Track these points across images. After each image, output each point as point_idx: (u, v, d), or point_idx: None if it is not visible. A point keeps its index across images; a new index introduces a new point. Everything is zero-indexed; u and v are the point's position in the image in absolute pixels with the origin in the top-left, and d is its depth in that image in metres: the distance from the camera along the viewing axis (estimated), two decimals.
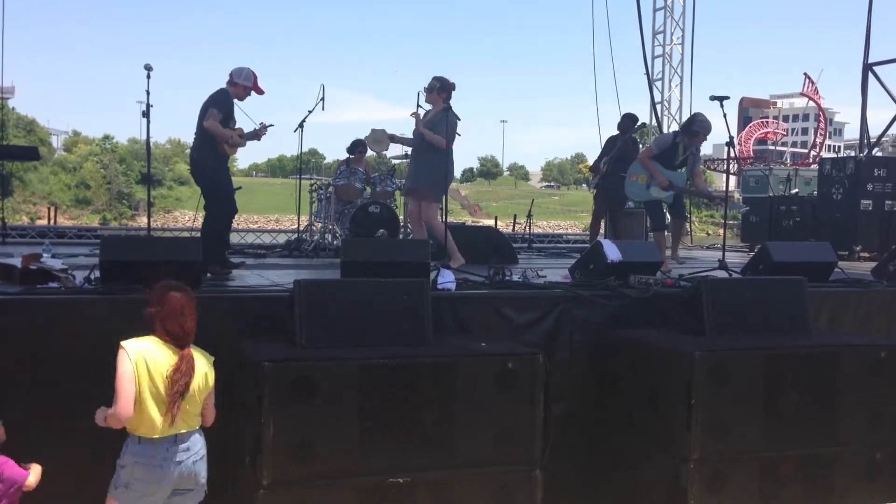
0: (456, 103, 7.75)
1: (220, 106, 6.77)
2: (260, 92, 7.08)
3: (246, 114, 7.11)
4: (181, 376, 3.62)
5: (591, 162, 10.22)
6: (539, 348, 4.95)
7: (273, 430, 4.00)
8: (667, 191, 8.07)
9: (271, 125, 7.27)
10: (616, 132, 10.18)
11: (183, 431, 3.68)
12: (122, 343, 3.61)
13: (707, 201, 9.23)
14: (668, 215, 8.60)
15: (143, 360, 3.58)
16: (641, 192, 8.24)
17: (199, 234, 6.73)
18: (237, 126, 7.01)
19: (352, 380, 4.19)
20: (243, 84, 6.93)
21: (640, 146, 10.04)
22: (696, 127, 8.16)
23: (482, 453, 4.41)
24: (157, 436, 3.60)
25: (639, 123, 10.01)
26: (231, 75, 6.97)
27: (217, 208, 6.89)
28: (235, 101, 6.98)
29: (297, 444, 4.06)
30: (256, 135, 7.16)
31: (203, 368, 3.77)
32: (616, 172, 9.83)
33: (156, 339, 3.67)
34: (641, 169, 8.24)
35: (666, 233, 8.47)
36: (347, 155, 11.29)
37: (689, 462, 4.70)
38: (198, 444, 3.76)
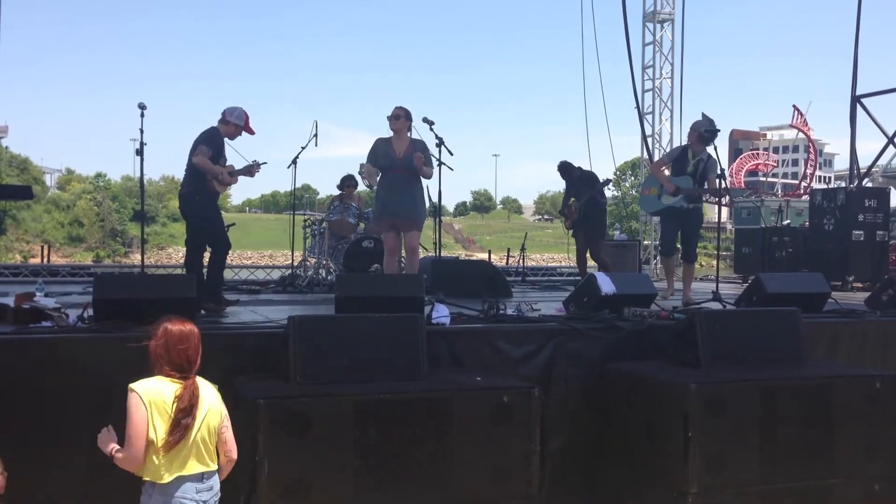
0: (449, 137, 7.89)
1: (209, 143, 6.81)
2: (251, 132, 7.13)
3: (238, 151, 7.15)
4: (185, 406, 3.50)
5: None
6: (534, 382, 4.94)
7: (268, 467, 3.97)
8: (675, 195, 8.04)
9: (264, 163, 7.30)
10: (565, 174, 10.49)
11: (206, 469, 3.56)
12: (133, 386, 3.49)
13: (715, 200, 9.15)
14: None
15: (154, 401, 3.47)
16: (654, 203, 8.26)
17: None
18: (228, 164, 7.04)
19: (347, 416, 4.17)
20: (235, 123, 6.97)
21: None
22: (691, 129, 8.26)
23: (479, 488, 4.38)
24: (173, 477, 3.47)
25: (605, 180, 10.24)
26: (224, 114, 7.02)
27: (196, 241, 6.91)
28: (227, 139, 7.02)
29: (292, 482, 4.03)
30: (249, 171, 7.19)
31: (212, 399, 3.66)
32: (587, 214, 10.05)
33: (161, 377, 3.56)
34: (652, 181, 8.33)
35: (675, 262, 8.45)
36: (339, 191, 11.35)
37: (687, 496, 4.67)
38: (218, 483, 3.65)
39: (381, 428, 4.21)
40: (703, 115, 8.25)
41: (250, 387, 4.36)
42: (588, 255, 10.47)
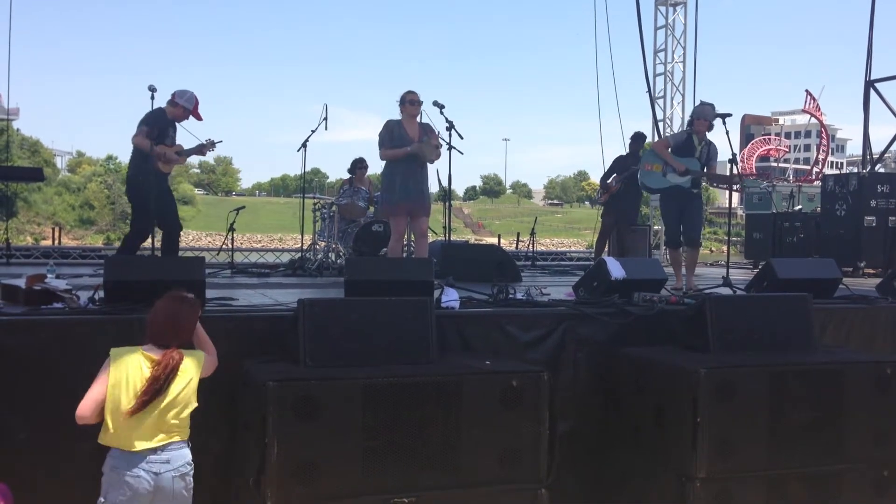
0: (459, 121, 7.91)
1: (149, 123, 6.82)
2: (198, 118, 7.11)
3: (189, 131, 7.15)
4: (154, 382, 3.56)
5: (593, 180, 10.40)
6: (543, 366, 4.94)
7: (277, 450, 3.98)
8: (683, 175, 7.92)
9: (219, 141, 7.30)
10: (626, 152, 10.32)
11: (163, 443, 3.60)
12: (112, 349, 3.61)
13: (724, 186, 9.02)
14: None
15: (124, 367, 3.54)
16: (658, 180, 8.05)
17: (198, 254, 6.76)
18: (177, 143, 7.01)
19: (356, 399, 4.17)
20: (183, 105, 6.96)
21: None
22: (693, 115, 8.17)
23: (487, 472, 4.39)
24: (133, 448, 3.54)
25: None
26: (173, 95, 6.99)
27: (140, 226, 6.95)
28: (186, 119, 7.01)
29: (301, 465, 4.04)
30: (200, 150, 7.17)
31: (189, 375, 3.72)
32: (628, 192, 9.92)
33: (144, 348, 3.64)
34: (655, 158, 8.11)
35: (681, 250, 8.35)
36: (349, 174, 11.35)
37: (695, 480, 4.67)
38: (181, 458, 3.66)
39: (391, 411, 4.21)
40: (703, 102, 8.23)
41: (259, 369, 4.37)
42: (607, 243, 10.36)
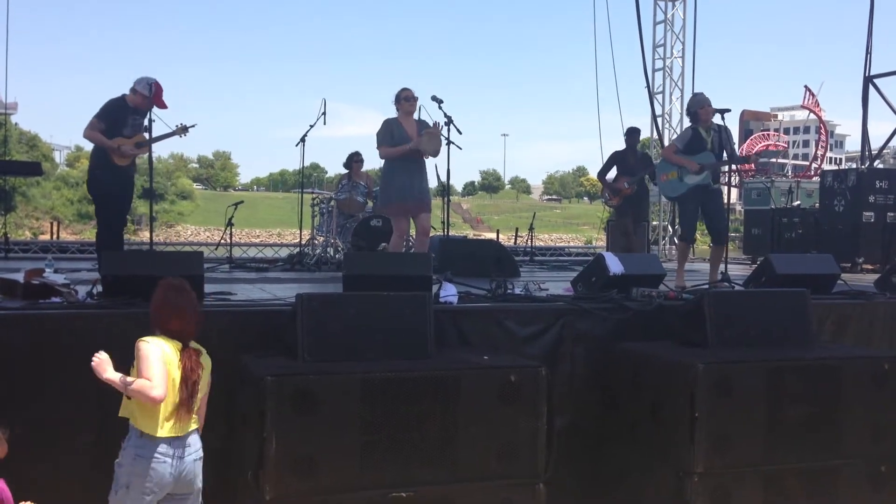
0: (457, 116, 7.90)
1: (101, 115, 6.77)
2: (162, 106, 6.99)
3: (161, 119, 7.05)
4: (191, 373, 3.66)
5: (592, 175, 10.43)
6: (541, 361, 4.94)
7: (275, 444, 3.98)
8: (700, 173, 7.74)
9: (193, 125, 7.18)
10: (623, 146, 10.35)
11: (188, 430, 3.70)
12: (146, 338, 3.63)
13: (747, 169, 9.02)
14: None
15: (167, 357, 3.61)
16: (678, 186, 7.90)
17: (197, 249, 6.73)
18: (138, 133, 6.93)
19: (354, 394, 4.18)
20: (142, 94, 6.89)
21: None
22: (693, 107, 8.02)
23: (485, 467, 4.39)
24: (162, 433, 3.60)
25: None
26: (134, 83, 6.93)
27: (106, 220, 6.89)
28: (148, 108, 6.94)
29: (299, 459, 4.04)
30: (168, 136, 7.08)
31: (206, 367, 3.83)
32: (639, 192, 9.96)
33: (163, 337, 3.69)
34: (668, 166, 8.00)
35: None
36: (345, 169, 11.34)
37: (692, 476, 4.68)
38: (197, 443, 3.78)
39: (388, 406, 4.22)
40: (694, 93, 8.20)
41: (258, 363, 4.38)
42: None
